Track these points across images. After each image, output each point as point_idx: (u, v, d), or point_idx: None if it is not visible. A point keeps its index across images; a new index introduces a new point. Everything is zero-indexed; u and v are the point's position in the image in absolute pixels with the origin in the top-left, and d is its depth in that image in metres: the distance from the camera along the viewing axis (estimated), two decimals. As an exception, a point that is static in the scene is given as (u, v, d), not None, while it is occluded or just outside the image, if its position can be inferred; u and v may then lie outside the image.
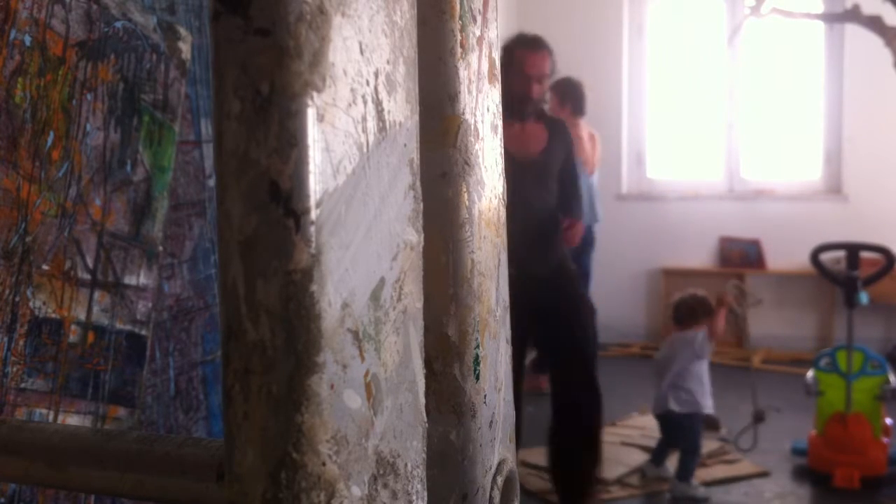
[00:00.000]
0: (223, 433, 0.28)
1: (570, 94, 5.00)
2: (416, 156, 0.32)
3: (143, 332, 0.78)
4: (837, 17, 4.87)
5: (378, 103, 0.30)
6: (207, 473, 0.33)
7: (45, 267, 0.67)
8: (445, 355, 0.37)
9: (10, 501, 0.64)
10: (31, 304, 0.66)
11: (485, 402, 0.38)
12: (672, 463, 3.52)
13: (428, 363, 0.36)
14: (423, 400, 0.32)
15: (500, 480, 0.39)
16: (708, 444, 3.84)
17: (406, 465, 0.31)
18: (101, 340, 0.73)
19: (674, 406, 3.39)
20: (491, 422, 0.39)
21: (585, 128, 5.10)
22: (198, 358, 0.87)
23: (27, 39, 0.64)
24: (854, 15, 4.20)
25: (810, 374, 3.66)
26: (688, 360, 3.42)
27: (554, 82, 5.16)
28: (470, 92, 0.37)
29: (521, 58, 2.91)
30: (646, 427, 4.09)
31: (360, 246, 0.29)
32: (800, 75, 6.03)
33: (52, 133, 0.67)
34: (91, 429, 0.39)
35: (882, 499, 3.43)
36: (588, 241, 5.16)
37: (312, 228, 0.27)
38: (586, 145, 5.06)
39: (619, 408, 4.43)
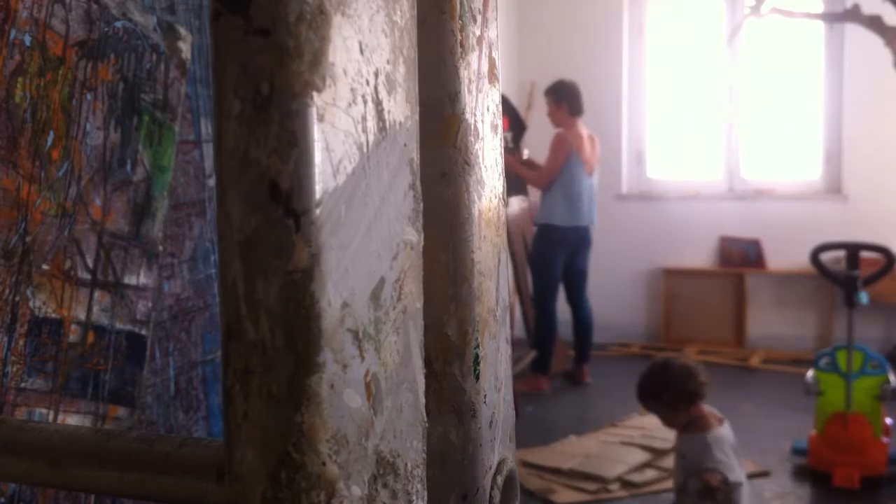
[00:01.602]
0: (223, 433, 0.28)
1: (565, 95, 5.02)
2: (416, 156, 0.32)
3: (143, 332, 0.78)
4: (837, 17, 4.86)
5: (378, 103, 0.30)
6: (207, 473, 0.33)
7: (45, 267, 0.67)
8: (445, 355, 0.37)
9: (10, 501, 0.64)
10: (31, 303, 0.66)
11: (485, 402, 0.38)
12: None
13: (428, 363, 0.36)
14: (423, 400, 0.32)
15: (500, 480, 0.39)
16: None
17: (406, 464, 0.31)
18: (101, 340, 0.73)
19: None
20: (491, 421, 0.39)
21: (585, 128, 5.11)
22: (198, 358, 0.87)
23: (27, 39, 0.64)
24: (854, 15, 4.20)
25: (810, 373, 3.66)
26: None
27: (547, 88, 5.19)
28: (470, 92, 0.37)
29: None
30: (646, 427, 4.09)
31: (360, 246, 0.29)
32: (800, 75, 6.03)
33: (52, 133, 0.67)
34: (91, 429, 0.39)
35: (882, 499, 3.43)
36: (585, 242, 5.18)
37: (312, 228, 0.27)
38: (586, 145, 5.07)
39: (619, 408, 4.42)
